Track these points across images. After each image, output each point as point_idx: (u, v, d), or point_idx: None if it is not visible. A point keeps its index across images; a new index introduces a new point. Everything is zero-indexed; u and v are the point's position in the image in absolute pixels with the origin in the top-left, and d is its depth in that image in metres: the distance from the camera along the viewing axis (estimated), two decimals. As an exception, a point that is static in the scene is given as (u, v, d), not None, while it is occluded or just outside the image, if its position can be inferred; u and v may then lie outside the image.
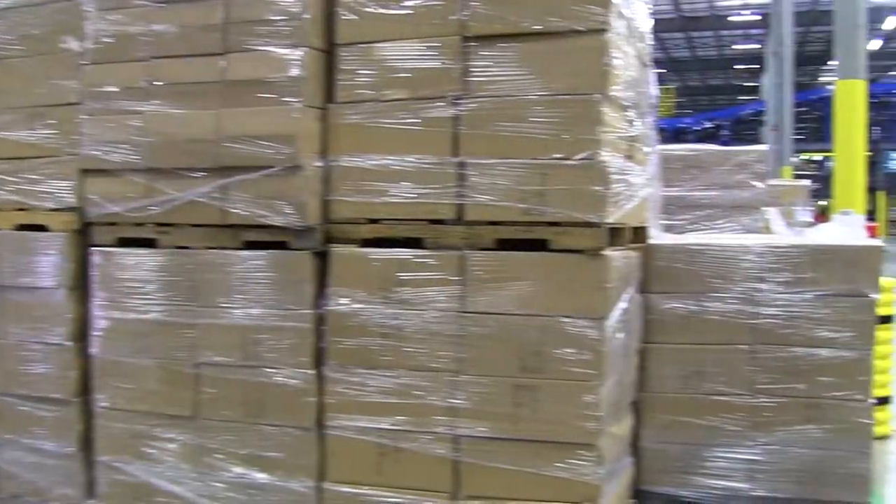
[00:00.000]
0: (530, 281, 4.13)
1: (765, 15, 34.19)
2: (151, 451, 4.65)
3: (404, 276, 4.27)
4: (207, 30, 4.52)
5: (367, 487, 4.32)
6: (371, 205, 4.35)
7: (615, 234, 4.28)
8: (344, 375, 4.34)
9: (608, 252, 4.13)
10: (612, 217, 4.15)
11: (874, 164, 32.60)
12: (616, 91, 4.24)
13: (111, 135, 4.66)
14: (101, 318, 4.75)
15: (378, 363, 4.30)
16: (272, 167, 4.37)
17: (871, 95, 42.51)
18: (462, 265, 4.20)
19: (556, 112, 4.11)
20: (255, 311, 4.45)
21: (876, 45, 40.44)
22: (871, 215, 27.50)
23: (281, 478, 4.43)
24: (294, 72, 4.36)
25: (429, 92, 4.29)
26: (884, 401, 6.87)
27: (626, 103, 4.52)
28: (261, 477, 4.45)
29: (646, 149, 5.05)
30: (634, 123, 4.74)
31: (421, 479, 4.26)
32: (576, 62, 4.12)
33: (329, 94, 4.47)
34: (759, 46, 40.62)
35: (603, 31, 4.09)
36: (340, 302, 4.34)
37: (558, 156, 4.09)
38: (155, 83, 4.60)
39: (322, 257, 4.41)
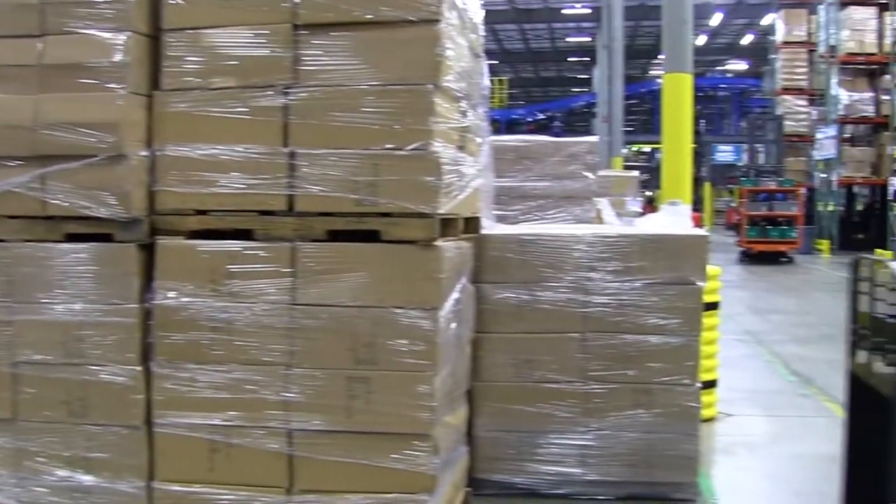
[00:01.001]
0: (363, 272, 4.09)
1: (596, 9, 34.98)
2: (-35, 456, 4.41)
3: (234, 268, 4.17)
4: (23, 10, 4.29)
5: (198, 485, 4.20)
6: (199, 195, 4.23)
7: (447, 225, 4.29)
8: (172, 371, 4.21)
9: (440, 243, 4.13)
10: (445, 208, 4.16)
11: (700, 156, 33.77)
12: (448, 82, 4.24)
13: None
14: None
15: (208, 358, 4.19)
16: (95, 156, 4.19)
17: (698, 89, 44.14)
18: (293, 257, 4.14)
19: (388, 102, 4.09)
20: (77, 307, 4.26)
21: (702, 40, 41.94)
22: (696, 206, 28.44)
23: (108, 479, 4.26)
24: (117, 57, 4.19)
25: (258, 80, 4.20)
26: (710, 385, 7.11)
27: (459, 94, 4.52)
28: (87, 479, 4.27)
29: (478, 139, 5.08)
30: (467, 114, 4.75)
31: (254, 474, 4.18)
32: (408, 52, 4.10)
33: (155, 81, 4.32)
34: (590, 39, 41.58)
35: (435, 21, 4.08)
36: (168, 296, 4.20)
37: (390, 146, 4.07)
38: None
39: (149, 250, 4.26)
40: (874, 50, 27.69)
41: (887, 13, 26.47)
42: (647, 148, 51.63)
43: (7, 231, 4.35)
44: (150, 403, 4.24)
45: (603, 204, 9.85)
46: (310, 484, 4.16)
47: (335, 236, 4.16)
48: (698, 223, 18.59)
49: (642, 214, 11.33)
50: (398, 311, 4.06)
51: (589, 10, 37.17)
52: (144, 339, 4.24)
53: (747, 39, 43.78)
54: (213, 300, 4.18)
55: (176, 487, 4.22)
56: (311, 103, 4.15)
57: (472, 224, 4.92)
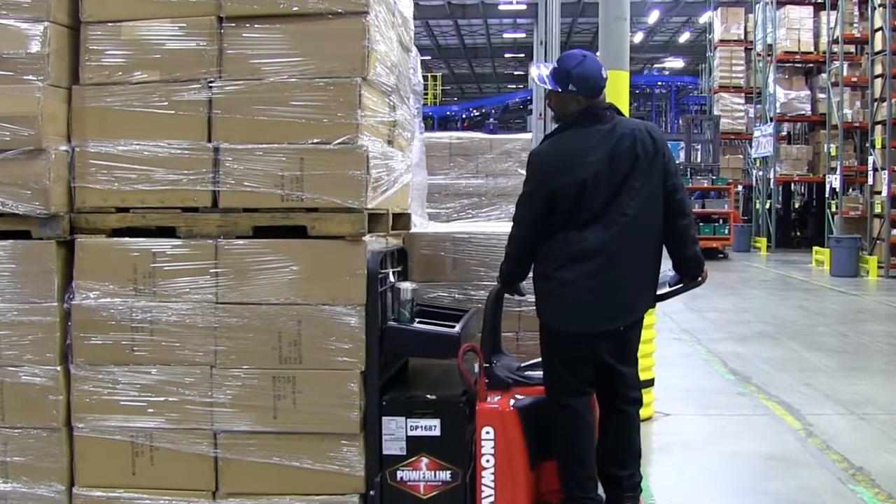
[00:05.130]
0: (288, 269, 4.03)
1: (532, 5, 35.00)
2: None
3: (156, 266, 4.08)
4: (-69, -2, 4.14)
5: (121, 490, 4.10)
6: (120, 192, 4.12)
7: (375, 221, 4.21)
8: (92, 373, 4.10)
9: (368, 238, 4.07)
10: (372, 202, 4.09)
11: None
12: (377, 75, 4.18)
13: None
14: None
15: (130, 359, 4.09)
16: (11, 150, 4.06)
17: (635, 87, 44.27)
18: (217, 254, 4.05)
19: (314, 96, 4.02)
20: (-10, 306, 4.14)
21: (639, 37, 42.24)
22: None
23: (26, 484, 4.13)
24: (35, 48, 4.07)
25: (182, 74, 4.10)
26: (647, 384, 7.09)
27: (388, 88, 4.45)
28: (3, 484, 4.14)
29: (407, 134, 5.01)
30: (396, 109, 4.69)
31: (179, 478, 4.09)
32: (335, 45, 4.03)
33: (76, 74, 4.19)
34: (526, 36, 41.62)
35: (363, 13, 4.02)
36: (88, 295, 4.09)
37: (317, 140, 4.01)
38: None
39: (68, 247, 4.14)
40: (810, 49, 28.07)
41: (823, 12, 26.82)
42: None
43: (-83, 229, 4.19)
44: (70, 406, 4.12)
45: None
46: (236, 487, 4.08)
47: (261, 232, 4.07)
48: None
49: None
50: (324, 307, 4.00)
51: (525, 6, 37.16)
52: (64, 339, 4.12)
53: (684, 37, 44.14)
54: (134, 300, 4.09)
55: (98, 493, 4.11)
56: (235, 97, 4.06)
57: (401, 220, 4.86)
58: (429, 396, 4.18)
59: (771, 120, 28.56)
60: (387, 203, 4.36)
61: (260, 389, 4.03)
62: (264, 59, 4.07)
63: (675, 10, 38.92)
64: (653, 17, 38.65)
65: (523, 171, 7.88)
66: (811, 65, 28.85)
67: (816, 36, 27.99)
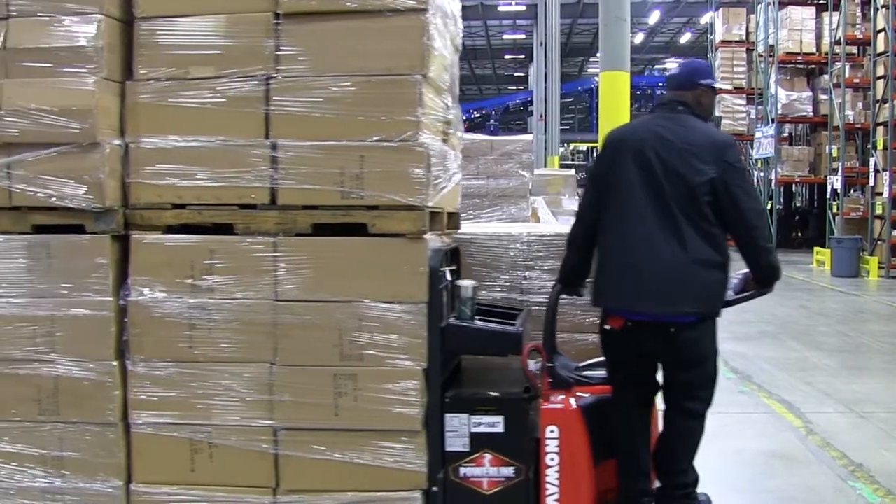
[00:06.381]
0: (349, 266, 3.99)
1: (532, 6, 35.02)
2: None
3: (213, 263, 4.04)
4: (-12, -9, 4.12)
5: (180, 487, 4.07)
6: (175, 188, 4.08)
7: (433, 219, 4.19)
8: (149, 370, 4.06)
9: (428, 236, 4.05)
10: (432, 200, 4.07)
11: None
12: (435, 73, 4.16)
13: None
14: None
15: (187, 356, 4.05)
16: (65, 144, 4.03)
17: (636, 87, 44.26)
18: (276, 251, 4.02)
19: (374, 93, 3.98)
20: (47, 300, 4.10)
21: (640, 38, 42.31)
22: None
23: (83, 479, 4.09)
24: (89, 42, 4.04)
25: (238, 70, 4.06)
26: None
27: (444, 86, 4.44)
28: (60, 480, 4.11)
29: (459, 133, 4.99)
30: (449, 107, 4.66)
31: (239, 475, 4.05)
32: (395, 42, 4.00)
33: (128, 69, 4.17)
34: (526, 37, 41.66)
35: (423, 10, 3.99)
36: (143, 292, 4.06)
37: (377, 138, 3.98)
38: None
39: (122, 242, 4.11)
40: (812, 50, 28.09)
41: (825, 13, 26.86)
42: (583, 146, 51.94)
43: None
44: (127, 402, 4.09)
45: (539, 203, 9.82)
46: (296, 483, 4.04)
47: (320, 230, 4.05)
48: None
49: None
50: (386, 305, 3.97)
51: (524, 7, 37.22)
52: (120, 335, 4.08)
53: (685, 38, 44.19)
54: (191, 297, 4.05)
55: (155, 489, 4.07)
56: (293, 94, 4.03)
57: (452, 219, 4.84)
58: (492, 394, 4.16)
59: (772, 121, 28.60)
60: (443, 201, 4.34)
61: (320, 387, 4.00)
62: (322, 55, 4.03)
63: (675, 11, 39.03)
64: (653, 17, 38.73)
65: (524, 173, 7.92)
66: (813, 66, 28.91)
67: (818, 37, 28.03)
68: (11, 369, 4.12)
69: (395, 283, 3.98)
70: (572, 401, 4.17)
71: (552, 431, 4.08)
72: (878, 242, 21.26)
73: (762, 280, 4.42)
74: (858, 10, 25.58)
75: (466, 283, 4.21)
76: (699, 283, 4.21)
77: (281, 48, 4.05)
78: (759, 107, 30.68)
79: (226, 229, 4.08)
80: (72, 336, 4.08)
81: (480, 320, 4.22)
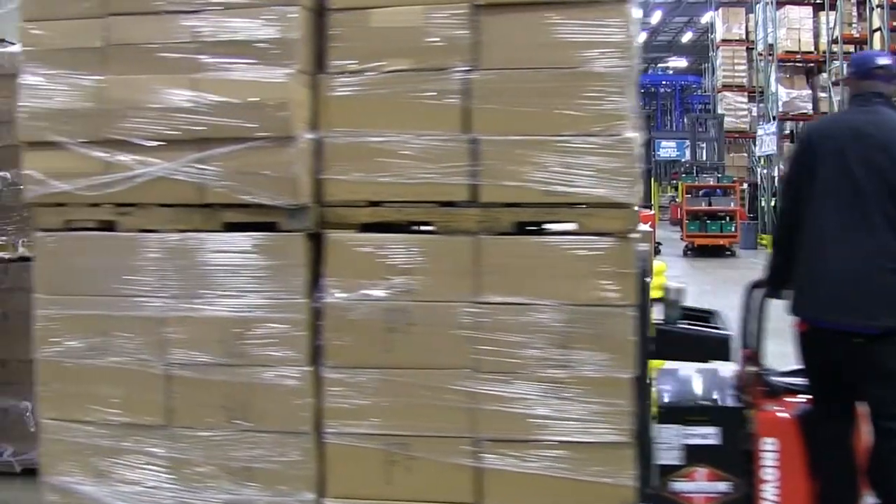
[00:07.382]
0: (554, 267, 3.80)
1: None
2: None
3: (412, 264, 3.86)
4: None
5: (375, 501, 3.88)
6: (371, 185, 3.89)
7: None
8: (345, 376, 3.87)
9: (635, 234, 3.88)
10: (636, 197, 3.90)
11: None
12: (633, 65, 3.99)
13: (58, 102, 4.00)
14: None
15: (384, 361, 3.87)
16: (259, 138, 3.85)
17: (640, 85, 44.75)
18: (479, 251, 3.84)
19: (578, 85, 3.80)
20: (238, 302, 3.91)
21: (642, 37, 42.36)
22: (648, 202, 28.61)
23: (275, 491, 3.90)
24: (284, 34, 3.86)
25: (435, 63, 3.88)
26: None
27: (634, 80, 4.27)
28: (250, 491, 3.92)
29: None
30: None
31: (438, 489, 3.84)
32: (598, 33, 3.82)
33: (319, 62, 3.99)
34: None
35: (625, 0, 3.82)
36: (338, 294, 3.87)
37: (581, 132, 3.80)
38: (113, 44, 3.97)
39: (316, 241, 3.93)
40: (811, 49, 28.06)
41: (822, 13, 26.86)
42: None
43: (159, 220, 3.98)
44: (320, 411, 3.90)
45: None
46: (500, 498, 3.84)
47: (522, 229, 3.88)
48: (648, 221, 18.31)
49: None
50: (593, 308, 3.77)
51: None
52: (313, 338, 3.89)
53: (687, 37, 44.20)
54: (387, 299, 3.86)
55: (350, 503, 3.89)
56: (493, 87, 3.85)
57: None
58: (704, 403, 3.99)
59: (774, 118, 28.55)
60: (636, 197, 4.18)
61: (525, 395, 3.81)
62: (523, 47, 3.85)
63: (676, 11, 39.04)
64: (655, 17, 38.74)
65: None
66: (812, 64, 28.85)
67: (816, 36, 28.00)
68: (199, 374, 3.94)
69: (604, 285, 3.79)
70: (791, 410, 4.00)
71: (771, 443, 3.90)
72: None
73: None
74: (854, 9, 25.52)
75: (673, 285, 4.05)
76: (893, 293, 4.02)
77: (480, 40, 3.87)
78: (761, 104, 30.67)
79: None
80: (263, 339, 3.90)
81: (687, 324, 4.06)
